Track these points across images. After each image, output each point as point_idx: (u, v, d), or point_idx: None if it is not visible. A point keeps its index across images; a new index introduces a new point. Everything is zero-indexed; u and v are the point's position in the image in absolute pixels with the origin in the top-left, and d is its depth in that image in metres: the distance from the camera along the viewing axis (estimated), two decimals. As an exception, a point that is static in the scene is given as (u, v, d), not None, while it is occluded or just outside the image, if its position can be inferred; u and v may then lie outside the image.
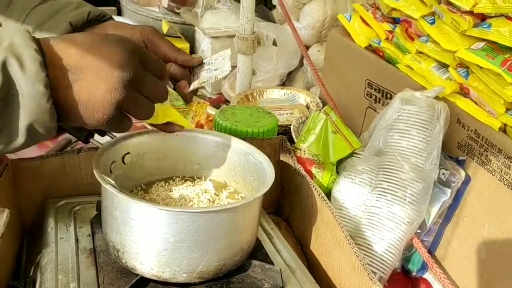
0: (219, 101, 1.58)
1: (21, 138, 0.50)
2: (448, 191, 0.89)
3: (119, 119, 0.55)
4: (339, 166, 1.00)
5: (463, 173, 0.90)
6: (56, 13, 0.73)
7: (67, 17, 0.72)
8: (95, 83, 0.51)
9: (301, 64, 1.58)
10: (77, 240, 0.75)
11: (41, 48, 0.50)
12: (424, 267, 0.96)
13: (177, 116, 0.68)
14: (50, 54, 0.50)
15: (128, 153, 0.73)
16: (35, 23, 0.73)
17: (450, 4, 0.94)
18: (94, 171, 0.63)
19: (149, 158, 0.77)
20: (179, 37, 1.63)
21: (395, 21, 1.11)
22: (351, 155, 0.98)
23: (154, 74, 0.57)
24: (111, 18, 0.78)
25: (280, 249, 0.80)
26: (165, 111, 0.65)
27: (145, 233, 0.62)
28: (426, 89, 0.97)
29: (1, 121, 0.48)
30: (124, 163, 0.65)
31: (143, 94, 0.55)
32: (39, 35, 0.70)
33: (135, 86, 0.54)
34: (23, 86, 0.48)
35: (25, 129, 0.49)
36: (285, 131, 1.17)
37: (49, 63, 0.49)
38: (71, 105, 0.52)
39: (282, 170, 0.94)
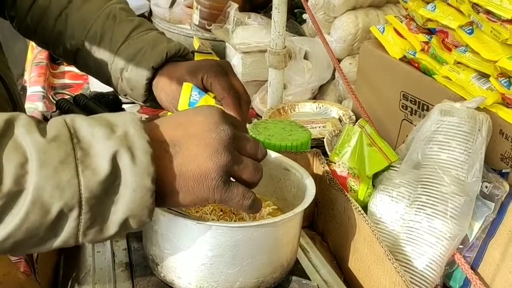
0: (251, 116, 1.58)
1: (112, 230, 0.49)
2: (492, 204, 0.86)
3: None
4: (375, 179, 0.98)
5: (507, 186, 0.86)
6: (137, 53, 0.78)
7: (149, 62, 0.76)
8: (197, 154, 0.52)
9: (332, 77, 1.57)
10: (113, 254, 0.75)
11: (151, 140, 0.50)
12: (466, 284, 0.92)
13: None
14: (156, 144, 0.50)
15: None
16: (121, 66, 0.79)
17: (489, 13, 0.91)
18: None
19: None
20: (210, 53, 1.64)
21: (430, 32, 1.09)
22: (387, 168, 0.96)
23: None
24: (188, 53, 0.81)
25: (317, 264, 0.78)
26: None
27: (182, 247, 0.61)
28: (465, 99, 0.94)
29: (98, 211, 0.47)
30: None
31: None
32: (127, 80, 0.79)
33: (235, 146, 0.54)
34: (129, 177, 0.47)
35: (120, 221, 0.48)
36: (318, 144, 1.16)
37: (156, 158, 0.49)
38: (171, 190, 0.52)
39: (316, 183, 0.93)
